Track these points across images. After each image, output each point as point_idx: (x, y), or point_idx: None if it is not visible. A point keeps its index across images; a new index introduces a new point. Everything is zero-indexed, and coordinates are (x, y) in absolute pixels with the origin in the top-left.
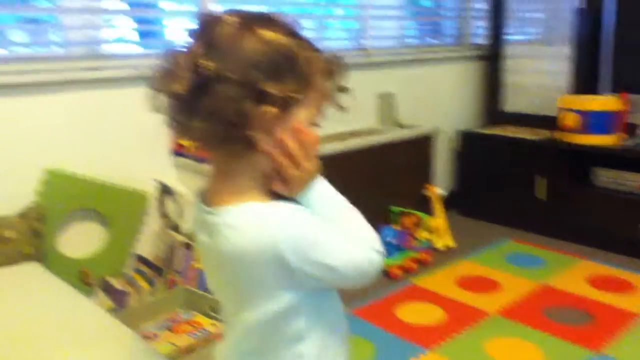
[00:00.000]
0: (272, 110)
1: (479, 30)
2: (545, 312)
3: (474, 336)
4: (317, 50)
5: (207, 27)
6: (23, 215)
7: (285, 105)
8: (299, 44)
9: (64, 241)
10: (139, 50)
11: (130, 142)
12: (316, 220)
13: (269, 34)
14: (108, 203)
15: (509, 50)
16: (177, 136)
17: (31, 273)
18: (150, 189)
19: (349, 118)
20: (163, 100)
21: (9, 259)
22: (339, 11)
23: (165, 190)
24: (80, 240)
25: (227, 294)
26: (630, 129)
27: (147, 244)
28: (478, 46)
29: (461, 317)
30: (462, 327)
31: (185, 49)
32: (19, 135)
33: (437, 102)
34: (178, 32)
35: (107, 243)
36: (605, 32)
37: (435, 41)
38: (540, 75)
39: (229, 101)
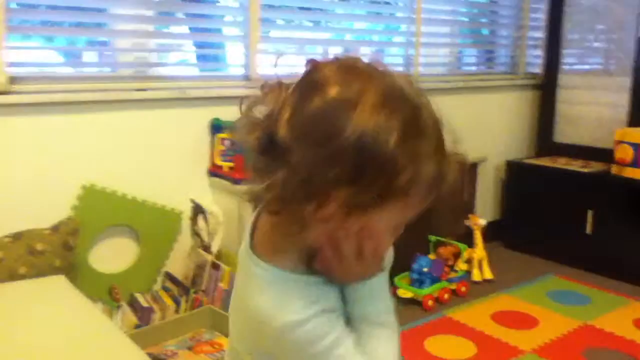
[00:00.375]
0: (331, 212)
1: (535, 59)
2: (585, 354)
3: None
4: (438, 154)
5: (307, 87)
6: (55, 229)
7: (356, 209)
8: (410, 148)
9: (97, 256)
10: (185, 72)
11: (170, 161)
12: (320, 334)
13: (373, 126)
14: (142, 220)
15: (565, 80)
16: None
17: (55, 286)
18: (184, 207)
19: None
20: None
21: (40, 271)
22: (397, 38)
23: (199, 210)
24: (112, 255)
25: (233, 322)
26: None
27: (177, 262)
28: (533, 75)
29: (493, 353)
30: None
31: (280, 94)
32: (61, 151)
33: (487, 131)
34: (231, 56)
35: (138, 259)
36: None
37: (488, 69)
38: (597, 106)
39: (289, 185)
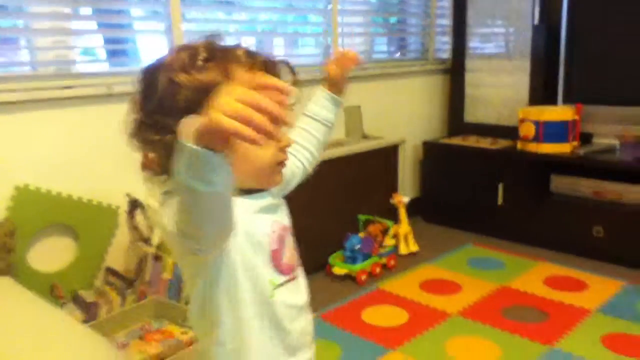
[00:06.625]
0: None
1: (443, 45)
2: (503, 312)
3: (435, 336)
4: (234, 63)
5: (141, 75)
6: None
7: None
8: (200, 70)
9: (35, 256)
10: (109, 68)
11: (101, 158)
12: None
13: (174, 76)
14: (78, 217)
15: (471, 64)
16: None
17: (3, 287)
18: (121, 202)
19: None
20: None
21: None
22: (309, 28)
23: (135, 204)
24: (51, 254)
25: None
26: (584, 137)
27: (117, 256)
28: (442, 60)
29: (423, 319)
30: (425, 328)
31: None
32: None
33: (403, 114)
34: (148, 51)
35: (77, 257)
36: (561, 47)
37: (401, 56)
38: (502, 87)
39: (157, 144)
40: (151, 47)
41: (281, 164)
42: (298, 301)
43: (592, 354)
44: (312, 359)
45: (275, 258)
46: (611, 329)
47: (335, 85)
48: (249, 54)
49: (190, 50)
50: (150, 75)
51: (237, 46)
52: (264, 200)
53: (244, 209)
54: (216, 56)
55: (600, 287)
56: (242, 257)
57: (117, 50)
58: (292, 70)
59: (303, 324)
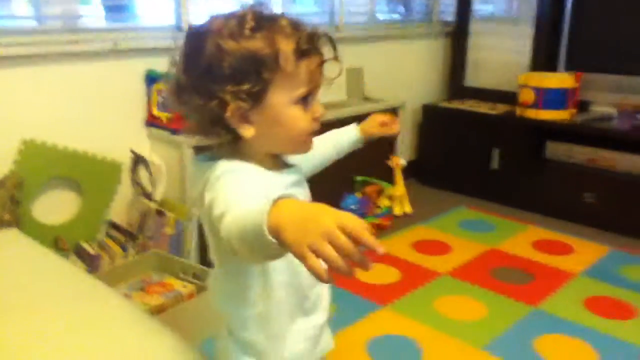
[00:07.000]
0: (240, 105)
1: (448, 8)
2: (492, 273)
3: (425, 294)
4: (280, 34)
5: (187, 38)
6: (1, 184)
7: (253, 97)
8: (248, 39)
9: (39, 208)
10: (115, 24)
11: (106, 113)
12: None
13: (223, 42)
14: (82, 172)
15: (474, 28)
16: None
17: (11, 239)
18: (124, 158)
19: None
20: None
21: None
22: None
23: (139, 160)
24: (55, 207)
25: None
26: (583, 105)
27: (120, 211)
28: (446, 23)
29: (415, 277)
30: (415, 286)
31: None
32: None
33: (405, 77)
34: (152, 7)
35: (80, 210)
36: (566, 14)
37: (405, 18)
38: (504, 52)
39: (199, 108)
40: (155, 4)
41: (313, 132)
42: None
43: (574, 315)
44: (326, 322)
45: None
46: (594, 292)
47: (367, 134)
48: (293, 25)
49: (238, 18)
50: (197, 39)
51: (282, 16)
52: (294, 176)
53: (280, 182)
54: (263, 26)
55: (586, 252)
56: None
57: (122, 5)
58: (333, 45)
59: (319, 289)
